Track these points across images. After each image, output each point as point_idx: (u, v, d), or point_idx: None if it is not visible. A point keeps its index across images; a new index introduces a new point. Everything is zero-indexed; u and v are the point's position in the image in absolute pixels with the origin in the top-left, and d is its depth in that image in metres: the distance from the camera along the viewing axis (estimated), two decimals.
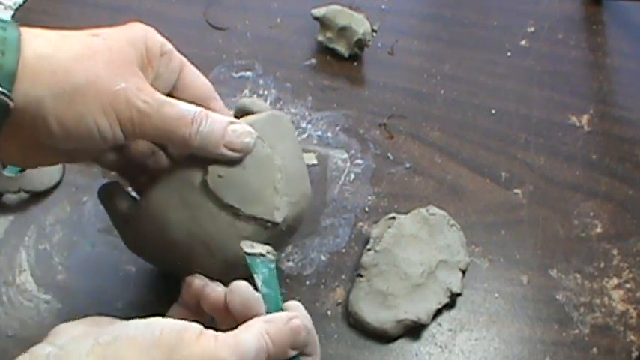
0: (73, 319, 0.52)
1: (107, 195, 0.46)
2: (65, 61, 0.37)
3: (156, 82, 0.43)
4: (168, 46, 0.44)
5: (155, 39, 0.42)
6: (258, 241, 0.43)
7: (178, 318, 0.37)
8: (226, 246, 0.43)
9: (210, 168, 0.41)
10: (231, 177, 0.42)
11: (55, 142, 0.38)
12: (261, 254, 0.42)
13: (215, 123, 0.41)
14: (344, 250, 0.57)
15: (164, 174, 0.43)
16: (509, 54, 0.70)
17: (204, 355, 0.34)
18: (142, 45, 0.41)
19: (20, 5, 0.70)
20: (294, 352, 0.39)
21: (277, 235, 0.45)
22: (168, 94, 0.44)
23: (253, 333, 0.37)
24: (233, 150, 0.41)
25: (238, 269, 0.44)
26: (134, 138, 0.40)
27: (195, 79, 0.46)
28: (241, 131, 0.41)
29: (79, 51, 0.38)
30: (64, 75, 0.37)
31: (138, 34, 0.41)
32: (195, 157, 0.42)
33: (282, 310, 0.41)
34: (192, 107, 0.41)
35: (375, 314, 0.52)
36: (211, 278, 0.44)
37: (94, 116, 0.37)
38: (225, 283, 0.46)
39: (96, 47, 0.38)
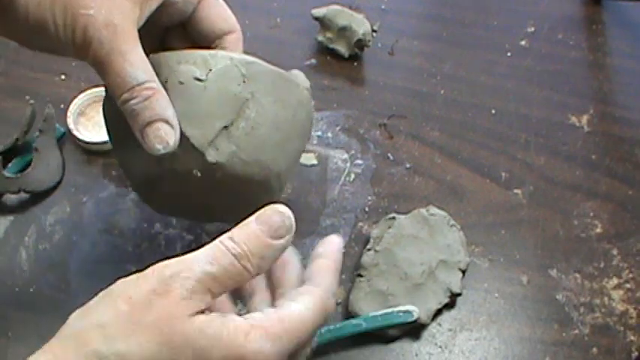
0: None
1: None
2: None
3: (170, 8, 0.42)
4: None
5: None
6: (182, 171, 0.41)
7: None
8: (149, 156, 0.40)
9: (182, 67, 0.40)
10: (189, 88, 0.40)
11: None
12: None
13: (149, 110, 0.38)
14: (344, 250, 0.56)
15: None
16: (509, 54, 0.70)
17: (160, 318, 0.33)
18: None
19: None
20: (279, 242, 0.36)
21: (207, 184, 0.42)
22: (184, 24, 0.44)
23: (209, 245, 0.35)
24: (144, 141, 0.39)
25: (155, 188, 0.43)
26: (78, 54, 0.39)
27: (214, 12, 0.45)
28: (161, 135, 0.38)
29: None
30: None
31: None
32: (174, 55, 0.41)
33: None
34: (144, 76, 0.38)
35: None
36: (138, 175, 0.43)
37: (54, 12, 0.37)
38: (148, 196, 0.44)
39: None
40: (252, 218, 0.36)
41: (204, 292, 0.34)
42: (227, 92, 0.40)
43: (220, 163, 0.41)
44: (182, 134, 0.40)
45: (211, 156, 0.40)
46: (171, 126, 0.39)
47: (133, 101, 0.38)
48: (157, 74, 0.39)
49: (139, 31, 0.39)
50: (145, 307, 0.33)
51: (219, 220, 0.50)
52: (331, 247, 0.41)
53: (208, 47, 0.46)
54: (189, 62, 0.40)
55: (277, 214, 0.36)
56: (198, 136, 0.40)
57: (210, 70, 0.40)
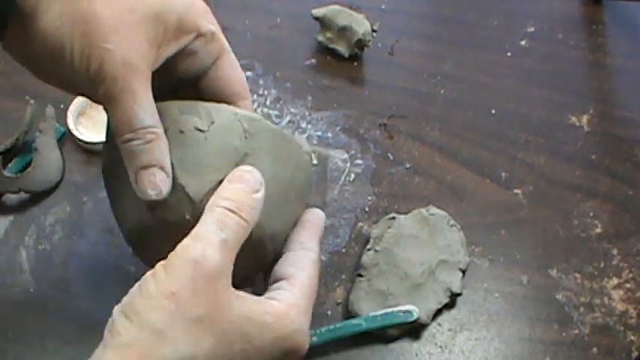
0: (74, 319, 0.52)
1: None
2: None
3: (188, 57, 0.42)
4: (211, 28, 0.42)
5: (192, 17, 0.41)
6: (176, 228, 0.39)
7: None
8: (142, 205, 0.39)
9: (184, 117, 0.39)
10: (189, 137, 0.39)
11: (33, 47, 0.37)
12: None
13: (148, 154, 0.38)
14: (344, 250, 0.57)
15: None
16: (509, 54, 0.70)
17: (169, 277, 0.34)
18: (174, 16, 0.39)
19: None
20: (258, 196, 0.38)
21: None
22: (198, 79, 0.43)
23: (207, 213, 0.37)
24: (137, 184, 0.39)
25: (146, 237, 0.41)
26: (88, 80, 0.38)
27: (229, 72, 0.44)
28: (155, 180, 0.38)
29: None
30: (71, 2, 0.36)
31: (178, 5, 0.40)
32: (178, 104, 0.40)
33: None
34: (150, 120, 0.38)
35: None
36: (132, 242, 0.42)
37: (72, 41, 0.36)
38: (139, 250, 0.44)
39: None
40: (225, 182, 0.38)
41: (227, 262, 0.36)
42: (227, 146, 0.40)
43: None
44: (177, 183, 0.39)
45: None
46: (167, 174, 0.39)
47: (134, 142, 0.38)
48: (166, 114, 0.39)
49: (153, 77, 0.39)
50: (191, 298, 0.34)
51: None
52: (313, 219, 0.44)
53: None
54: (192, 113, 0.40)
55: (247, 172, 0.39)
56: (193, 185, 0.39)
57: (213, 122, 0.40)
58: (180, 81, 0.44)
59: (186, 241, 0.35)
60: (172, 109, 0.40)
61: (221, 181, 0.39)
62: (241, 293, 0.37)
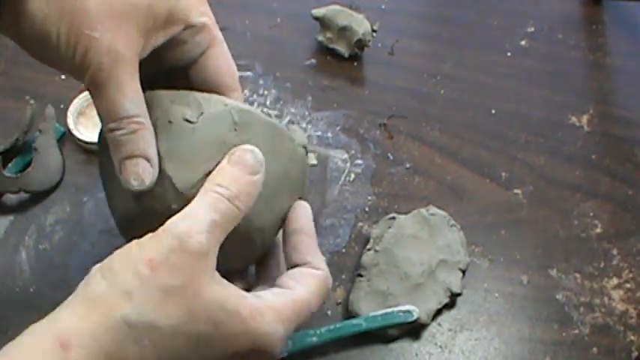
0: None
1: None
2: None
3: (177, 47, 0.42)
4: (201, 20, 0.42)
5: (182, 9, 0.40)
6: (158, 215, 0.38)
7: None
8: (129, 193, 0.39)
9: (174, 107, 0.39)
10: (177, 128, 0.39)
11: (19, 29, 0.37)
12: None
13: (132, 143, 0.37)
14: (344, 250, 0.57)
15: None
16: (509, 54, 0.70)
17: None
18: (164, 6, 0.39)
19: None
20: (257, 177, 0.38)
21: None
22: (188, 68, 0.43)
23: (201, 195, 0.37)
24: (121, 174, 0.38)
25: (134, 225, 0.41)
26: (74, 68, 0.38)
27: (220, 63, 0.44)
28: (138, 171, 0.38)
29: None
30: None
31: None
32: (169, 94, 0.40)
33: None
34: (135, 109, 0.37)
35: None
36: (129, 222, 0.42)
37: (59, 27, 0.36)
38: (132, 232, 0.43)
39: None
40: (224, 162, 0.38)
41: (214, 243, 0.36)
42: (216, 137, 0.39)
43: None
44: (164, 173, 0.39)
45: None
46: (151, 165, 0.38)
47: (118, 132, 0.37)
48: (149, 111, 0.39)
49: (143, 66, 0.39)
50: (168, 269, 0.34)
51: None
52: (305, 221, 0.42)
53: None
54: (182, 103, 0.39)
55: (247, 152, 0.38)
56: (180, 177, 0.38)
57: (202, 113, 0.39)
58: (171, 69, 0.44)
59: (175, 217, 0.36)
60: (163, 99, 0.40)
61: (209, 173, 0.38)
62: (225, 282, 0.36)
